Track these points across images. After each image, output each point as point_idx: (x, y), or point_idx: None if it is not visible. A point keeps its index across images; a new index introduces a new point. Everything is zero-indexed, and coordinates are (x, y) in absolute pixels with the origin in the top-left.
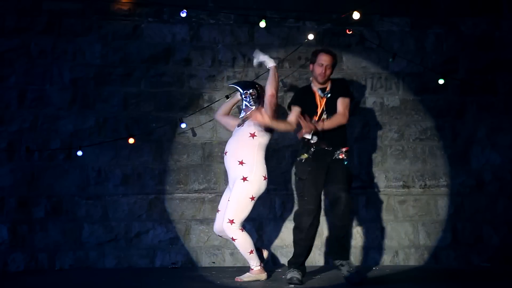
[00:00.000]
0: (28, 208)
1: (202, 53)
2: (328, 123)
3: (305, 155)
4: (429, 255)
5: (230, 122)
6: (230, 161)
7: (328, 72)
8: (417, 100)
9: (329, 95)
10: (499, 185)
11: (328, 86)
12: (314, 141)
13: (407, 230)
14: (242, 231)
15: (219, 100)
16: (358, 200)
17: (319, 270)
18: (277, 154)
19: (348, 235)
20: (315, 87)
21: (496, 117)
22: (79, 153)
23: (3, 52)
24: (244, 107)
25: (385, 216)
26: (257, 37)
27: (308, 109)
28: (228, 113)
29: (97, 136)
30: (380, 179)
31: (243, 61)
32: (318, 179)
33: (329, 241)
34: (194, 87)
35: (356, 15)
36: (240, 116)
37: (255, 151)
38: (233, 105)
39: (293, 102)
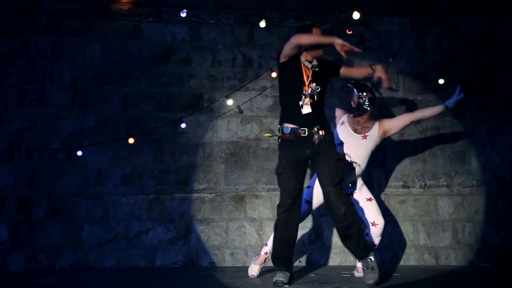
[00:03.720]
0: (28, 208)
1: (202, 53)
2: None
3: (268, 133)
4: (429, 255)
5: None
6: None
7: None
8: (417, 100)
9: (316, 69)
10: (499, 185)
11: (314, 61)
12: (306, 111)
13: (407, 230)
14: None
15: (219, 100)
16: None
17: (320, 271)
18: (277, 154)
19: (359, 232)
20: (302, 58)
21: (496, 117)
22: (79, 153)
23: (3, 52)
24: (358, 105)
25: (385, 216)
26: (257, 37)
27: (294, 77)
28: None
29: (97, 136)
30: (380, 179)
31: (243, 61)
32: (294, 172)
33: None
34: (194, 87)
35: (356, 15)
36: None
37: None
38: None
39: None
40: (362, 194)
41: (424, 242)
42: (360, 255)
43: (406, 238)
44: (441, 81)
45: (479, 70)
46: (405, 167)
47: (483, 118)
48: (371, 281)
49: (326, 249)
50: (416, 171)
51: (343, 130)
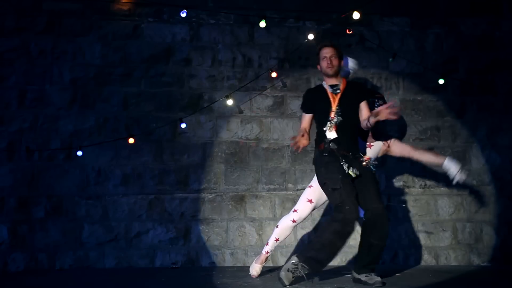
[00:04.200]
0: (28, 208)
1: (202, 53)
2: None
3: (353, 174)
4: (429, 255)
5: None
6: None
7: (335, 62)
8: (417, 100)
9: (338, 91)
10: (499, 185)
11: (342, 85)
12: (332, 137)
13: (407, 230)
14: None
15: (219, 100)
16: None
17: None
18: (277, 154)
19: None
20: (326, 85)
21: (496, 117)
22: (79, 153)
23: (3, 52)
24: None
25: None
26: (257, 37)
27: (320, 108)
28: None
29: (97, 136)
30: (380, 179)
31: (243, 61)
32: (350, 184)
33: (359, 256)
34: (194, 87)
35: (356, 15)
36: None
37: None
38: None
39: (304, 107)
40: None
41: (424, 242)
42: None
43: (406, 238)
44: (441, 81)
45: (479, 70)
46: (405, 167)
47: (483, 118)
48: (377, 279)
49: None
50: (416, 171)
51: None
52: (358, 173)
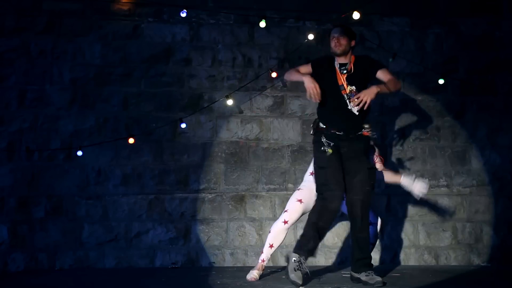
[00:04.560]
0: (28, 208)
1: (202, 53)
2: (390, 85)
3: (330, 150)
4: (429, 255)
5: None
6: None
7: (343, 41)
8: (417, 100)
9: (345, 71)
10: (499, 185)
11: (351, 64)
12: (356, 111)
13: (407, 230)
14: None
15: (219, 100)
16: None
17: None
18: (277, 154)
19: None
20: (336, 62)
21: (496, 117)
22: (79, 153)
23: (3, 52)
24: None
25: (385, 216)
26: (257, 37)
27: (328, 78)
28: None
29: (97, 136)
30: (380, 179)
31: (243, 61)
32: (338, 166)
33: (352, 253)
34: (194, 87)
35: (356, 15)
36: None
37: None
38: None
39: (312, 63)
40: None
41: (424, 242)
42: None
43: (406, 238)
44: (441, 81)
45: (479, 70)
46: (405, 167)
47: (483, 118)
48: (378, 279)
49: (326, 249)
50: (416, 171)
51: None
52: (331, 150)
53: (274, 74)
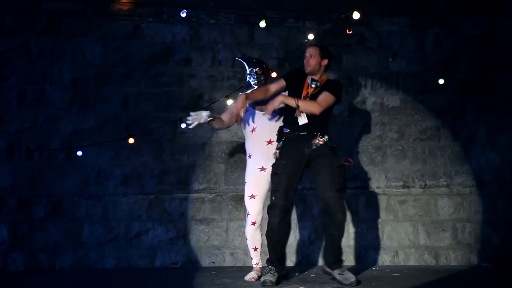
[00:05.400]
0: (28, 208)
1: (202, 53)
2: (302, 102)
3: (277, 152)
4: (429, 255)
5: (230, 119)
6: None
7: (312, 62)
8: (417, 100)
9: (316, 86)
10: (499, 185)
11: (321, 83)
12: (302, 122)
13: (407, 230)
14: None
15: (219, 100)
16: (358, 200)
17: (320, 271)
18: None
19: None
20: (309, 77)
21: (496, 117)
22: (79, 153)
23: (3, 52)
24: (247, 84)
25: (385, 216)
26: (257, 37)
27: (294, 90)
28: (228, 122)
29: (97, 136)
30: (380, 179)
31: None
32: (292, 173)
33: (325, 250)
34: (194, 87)
35: (356, 15)
36: (243, 92)
37: None
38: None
39: (284, 77)
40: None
41: (424, 242)
42: (341, 263)
43: (406, 238)
44: (441, 81)
45: (479, 70)
46: (405, 167)
47: (483, 118)
48: (352, 279)
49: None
50: (416, 171)
51: (251, 114)
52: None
53: (274, 74)
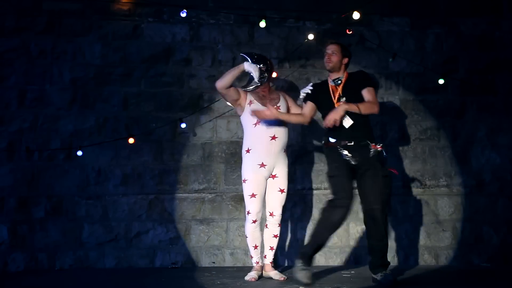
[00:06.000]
0: (28, 208)
1: (202, 53)
2: (362, 106)
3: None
4: (429, 255)
5: (232, 95)
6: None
7: (334, 58)
8: (417, 100)
9: (339, 82)
10: (499, 185)
11: (344, 78)
12: (348, 124)
13: (407, 230)
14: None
15: (219, 100)
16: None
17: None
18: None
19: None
20: (329, 79)
21: (496, 117)
22: (79, 153)
23: (3, 52)
24: (250, 79)
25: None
26: (257, 37)
27: (323, 101)
28: (230, 86)
29: (97, 136)
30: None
31: (243, 61)
32: (348, 174)
33: (371, 257)
34: (194, 87)
35: (356, 15)
36: (248, 89)
37: None
38: (235, 78)
39: (306, 98)
40: (278, 182)
41: (424, 242)
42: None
43: (406, 238)
44: (441, 81)
45: (479, 70)
46: (405, 167)
47: (483, 118)
48: (389, 278)
49: (326, 249)
50: (416, 171)
51: (255, 108)
52: (354, 161)
53: (274, 74)
